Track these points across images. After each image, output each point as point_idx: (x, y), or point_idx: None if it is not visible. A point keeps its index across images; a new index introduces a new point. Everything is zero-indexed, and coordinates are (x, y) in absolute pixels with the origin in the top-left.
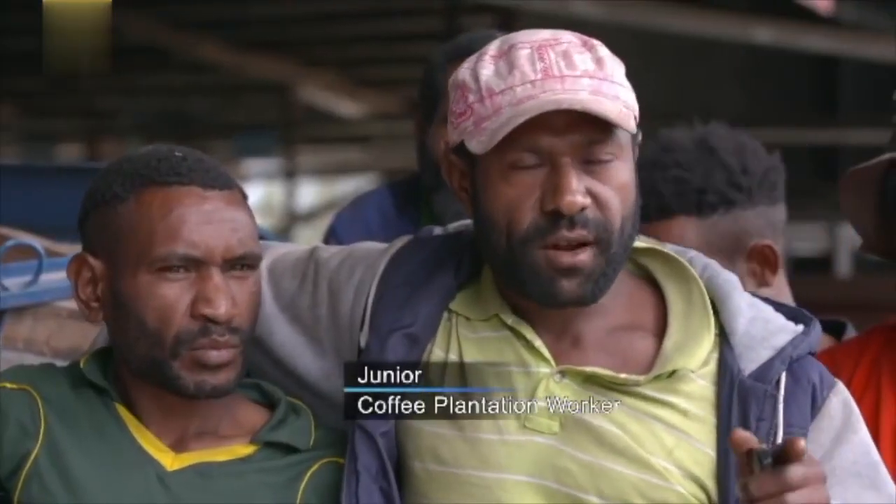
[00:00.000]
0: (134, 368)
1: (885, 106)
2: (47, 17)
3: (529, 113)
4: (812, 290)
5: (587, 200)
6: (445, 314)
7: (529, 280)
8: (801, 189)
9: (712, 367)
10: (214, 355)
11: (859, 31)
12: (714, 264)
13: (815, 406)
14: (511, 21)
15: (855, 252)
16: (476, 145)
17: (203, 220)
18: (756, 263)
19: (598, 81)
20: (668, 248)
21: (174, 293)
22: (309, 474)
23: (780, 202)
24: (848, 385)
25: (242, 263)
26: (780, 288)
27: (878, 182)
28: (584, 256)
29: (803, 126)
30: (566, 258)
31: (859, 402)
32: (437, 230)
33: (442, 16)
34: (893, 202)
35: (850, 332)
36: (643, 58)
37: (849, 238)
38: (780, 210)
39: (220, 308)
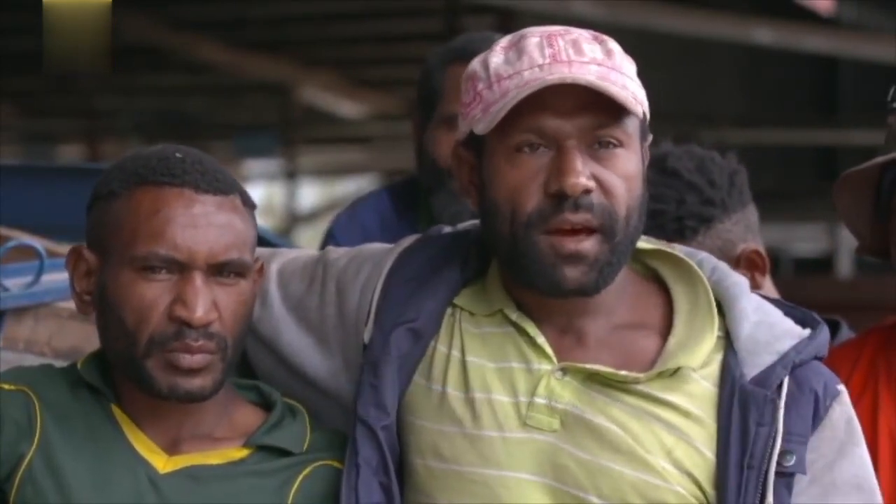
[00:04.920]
0: (115, 366)
1: (885, 106)
2: (47, 17)
3: (532, 89)
4: (813, 290)
5: (591, 183)
6: (449, 309)
7: (533, 268)
8: (801, 189)
9: (714, 368)
10: (186, 359)
11: (859, 32)
12: (723, 267)
13: (818, 416)
14: (511, 22)
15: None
16: (482, 127)
17: (189, 223)
18: (745, 269)
19: (607, 69)
20: (677, 250)
21: (153, 294)
22: (300, 478)
23: (750, 202)
24: (845, 386)
25: (228, 270)
26: (768, 288)
27: (873, 184)
28: (588, 244)
29: (803, 126)
30: (570, 244)
31: (857, 403)
32: (446, 229)
33: (442, 16)
34: (888, 204)
35: (845, 331)
36: (643, 58)
37: (849, 238)
38: (752, 210)
39: (196, 312)
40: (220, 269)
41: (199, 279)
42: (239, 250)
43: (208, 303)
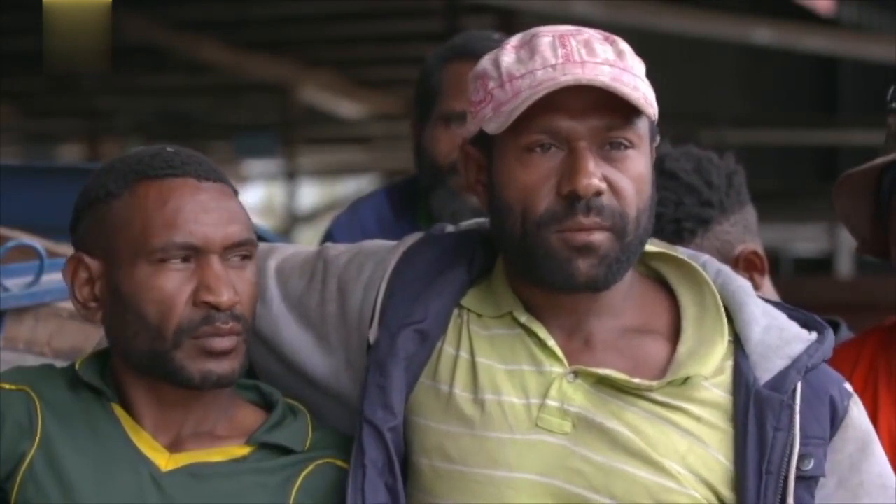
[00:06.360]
0: (134, 365)
1: (885, 106)
2: (47, 17)
3: (547, 90)
4: (813, 290)
5: (603, 185)
6: (456, 311)
7: (544, 263)
8: (801, 189)
9: (727, 376)
10: (218, 342)
11: (859, 32)
12: (727, 270)
13: (837, 416)
14: (511, 22)
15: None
16: (494, 127)
17: (200, 209)
18: (744, 270)
19: (619, 70)
20: (681, 253)
21: (174, 284)
22: (302, 476)
23: (748, 202)
24: None
25: (241, 252)
26: (767, 288)
27: (872, 184)
28: (599, 236)
29: (803, 126)
30: (581, 236)
31: None
32: (449, 228)
33: (442, 16)
34: (888, 204)
35: (845, 331)
36: (643, 58)
37: (850, 238)
38: (751, 210)
39: (223, 295)
40: (233, 252)
41: (216, 263)
42: (248, 230)
43: (231, 286)
